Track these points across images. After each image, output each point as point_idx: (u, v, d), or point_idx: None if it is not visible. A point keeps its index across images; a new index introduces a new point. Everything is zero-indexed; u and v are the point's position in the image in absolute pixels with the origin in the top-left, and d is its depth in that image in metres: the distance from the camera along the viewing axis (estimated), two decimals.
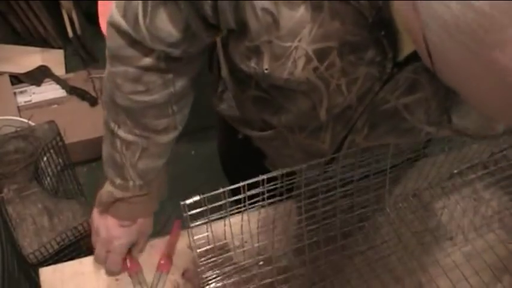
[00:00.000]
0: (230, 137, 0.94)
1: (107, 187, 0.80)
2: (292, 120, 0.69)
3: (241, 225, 0.72)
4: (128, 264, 0.83)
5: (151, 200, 0.83)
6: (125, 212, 0.81)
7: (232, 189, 0.63)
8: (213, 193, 0.62)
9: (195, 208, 0.63)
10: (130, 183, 0.78)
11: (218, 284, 0.78)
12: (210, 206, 0.63)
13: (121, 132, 0.74)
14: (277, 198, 0.68)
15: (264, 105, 0.71)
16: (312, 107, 0.63)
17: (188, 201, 0.61)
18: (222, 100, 0.85)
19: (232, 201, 0.65)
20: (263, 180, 0.64)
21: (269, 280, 0.79)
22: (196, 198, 0.62)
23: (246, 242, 0.77)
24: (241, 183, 0.64)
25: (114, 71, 0.69)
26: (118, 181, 0.78)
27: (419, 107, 0.61)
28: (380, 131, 0.66)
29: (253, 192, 0.65)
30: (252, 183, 0.64)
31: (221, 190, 0.63)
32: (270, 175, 0.65)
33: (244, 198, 0.65)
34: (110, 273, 0.82)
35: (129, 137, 0.74)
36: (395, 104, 0.61)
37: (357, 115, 0.64)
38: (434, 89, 0.58)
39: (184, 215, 0.62)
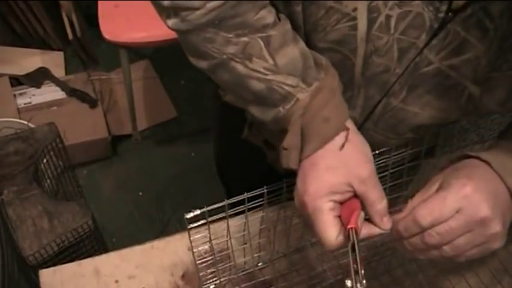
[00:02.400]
0: (231, 138, 0.92)
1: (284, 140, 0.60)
2: None
3: (243, 228, 0.72)
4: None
5: (333, 95, 0.59)
6: (322, 125, 0.58)
7: (232, 196, 0.63)
8: (214, 206, 0.62)
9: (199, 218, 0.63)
10: (292, 91, 0.58)
11: (218, 286, 0.78)
12: (210, 219, 0.63)
13: (229, 50, 0.57)
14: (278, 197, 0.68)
15: None
16: (345, 58, 0.60)
17: (190, 215, 0.61)
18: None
19: (233, 208, 0.65)
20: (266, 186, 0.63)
21: (268, 281, 0.79)
22: (197, 212, 0.62)
23: (245, 243, 0.77)
24: (243, 196, 0.62)
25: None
26: (285, 107, 0.58)
27: (467, 65, 0.58)
28: (420, 91, 0.63)
29: (254, 204, 0.64)
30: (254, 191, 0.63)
31: (224, 203, 0.62)
32: (272, 188, 0.64)
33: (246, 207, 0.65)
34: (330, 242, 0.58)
35: (240, 43, 0.56)
36: (439, 66, 0.58)
37: (395, 78, 0.61)
38: (485, 47, 0.55)
39: (188, 227, 0.62)
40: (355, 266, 0.54)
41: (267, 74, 0.57)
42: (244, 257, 0.78)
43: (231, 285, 0.79)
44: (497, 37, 0.56)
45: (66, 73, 2.20)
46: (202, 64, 0.60)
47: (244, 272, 0.81)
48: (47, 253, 1.10)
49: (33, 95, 2.02)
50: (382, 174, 0.73)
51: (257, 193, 0.63)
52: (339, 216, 0.58)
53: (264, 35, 0.56)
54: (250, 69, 0.57)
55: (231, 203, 0.63)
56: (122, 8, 1.79)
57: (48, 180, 1.30)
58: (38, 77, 2.08)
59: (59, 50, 2.25)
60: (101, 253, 0.91)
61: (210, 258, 0.75)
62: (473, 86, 0.61)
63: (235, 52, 0.56)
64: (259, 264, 0.82)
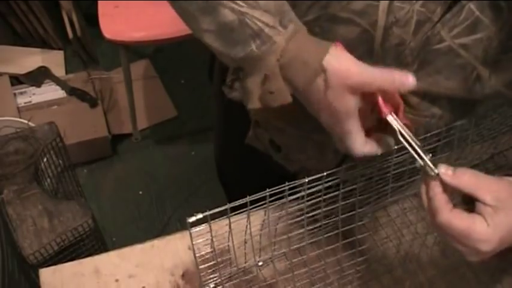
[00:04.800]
0: (233, 139, 0.91)
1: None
2: None
3: (244, 228, 0.72)
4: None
5: (310, 38, 0.60)
6: (301, 70, 0.58)
7: (232, 197, 0.63)
8: (217, 210, 0.62)
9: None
10: (266, 30, 0.57)
11: (218, 285, 0.78)
12: (212, 222, 0.63)
13: None
14: (279, 200, 0.68)
15: None
16: (363, 32, 0.60)
17: (193, 219, 0.61)
18: (233, 88, 0.80)
19: (234, 208, 0.65)
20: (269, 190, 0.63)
21: (269, 282, 0.79)
22: (200, 216, 0.62)
23: (246, 243, 0.77)
24: (245, 199, 0.62)
25: None
26: (255, 45, 0.57)
27: (478, 45, 0.58)
28: (430, 69, 0.63)
29: (257, 208, 0.64)
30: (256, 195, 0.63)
31: (226, 206, 0.62)
32: (274, 190, 0.64)
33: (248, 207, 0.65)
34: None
35: None
36: (450, 44, 0.58)
37: (409, 51, 0.61)
38: (497, 29, 0.55)
39: (189, 231, 0.62)
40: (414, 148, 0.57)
41: (242, 6, 0.56)
42: (245, 256, 0.78)
43: (231, 284, 0.79)
44: (510, 19, 0.56)
45: (66, 72, 2.20)
46: None
47: (244, 272, 0.81)
48: (47, 252, 1.10)
49: (34, 94, 2.02)
50: (383, 176, 0.73)
51: (259, 196, 0.63)
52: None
53: None
54: None
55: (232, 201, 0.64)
56: (122, 7, 1.79)
57: (48, 180, 1.30)
58: (38, 76, 2.08)
59: (59, 49, 2.25)
60: (101, 252, 0.91)
61: (210, 257, 0.75)
62: (482, 67, 0.61)
63: None
64: (260, 264, 0.82)
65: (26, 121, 1.78)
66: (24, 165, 1.22)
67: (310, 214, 0.74)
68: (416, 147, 0.58)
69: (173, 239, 0.87)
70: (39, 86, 2.05)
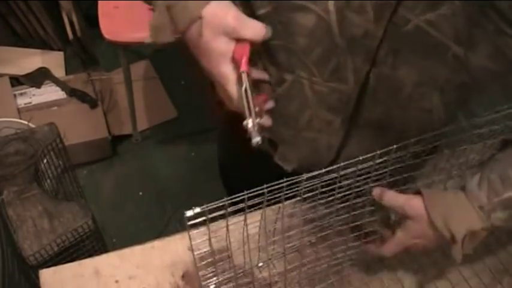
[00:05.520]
0: (235, 140, 0.92)
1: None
2: (304, 44, 0.65)
3: (243, 228, 0.72)
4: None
5: None
6: (182, 12, 0.64)
7: (233, 197, 0.63)
8: (214, 204, 0.62)
9: (198, 216, 0.63)
10: None
11: (218, 286, 0.78)
12: (210, 216, 0.63)
13: None
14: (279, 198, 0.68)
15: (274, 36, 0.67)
16: (319, 19, 0.62)
17: (190, 213, 0.61)
18: None
19: (232, 207, 0.65)
20: (266, 188, 0.64)
21: (268, 282, 0.79)
22: (198, 210, 0.62)
23: (245, 243, 0.77)
24: (243, 194, 0.63)
25: None
26: None
27: (445, 22, 0.59)
28: (405, 55, 0.64)
29: (254, 202, 0.64)
30: (253, 190, 0.64)
31: (223, 200, 0.62)
32: (272, 187, 0.64)
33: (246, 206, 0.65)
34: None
35: None
36: (417, 22, 0.59)
37: (377, 42, 0.62)
38: (462, 4, 0.56)
39: (188, 223, 0.62)
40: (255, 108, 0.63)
41: None
42: (244, 257, 0.78)
43: (231, 285, 0.79)
44: None
45: (66, 73, 2.20)
46: None
47: (244, 272, 0.81)
48: (47, 253, 1.10)
49: (34, 95, 2.02)
50: (380, 171, 0.73)
51: (257, 192, 0.63)
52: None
53: None
54: None
55: (232, 202, 0.64)
56: (122, 8, 1.79)
57: (49, 181, 1.30)
58: (38, 77, 2.08)
59: (59, 50, 2.25)
60: (101, 253, 0.91)
61: (208, 255, 0.75)
62: (455, 46, 0.62)
63: None
64: (259, 264, 0.82)
65: (26, 122, 1.78)
66: (24, 166, 1.22)
67: (308, 215, 0.74)
68: (250, 107, 0.63)
69: (173, 239, 0.87)
70: (39, 87, 2.05)
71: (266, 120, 0.68)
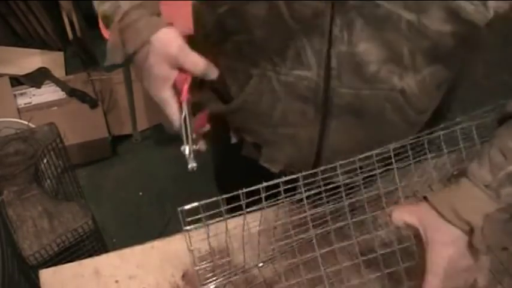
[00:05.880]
0: (224, 148, 0.93)
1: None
2: (261, 35, 0.67)
3: (242, 228, 0.72)
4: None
5: (152, 15, 0.70)
6: (132, 36, 0.69)
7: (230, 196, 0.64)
8: (211, 200, 0.62)
9: (196, 210, 0.63)
10: None
11: (218, 286, 0.78)
12: (207, 214, 0.63)
13: None
14: (277, 199, 0.69)
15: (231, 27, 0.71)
16: (270, 6, 0.63)
17: (186, 207, 0.62)
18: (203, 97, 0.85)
19: (231, 208, 0.65)
20: (263, 187, 0.64)
21: (269, 282, 0.79)
22: (195, 204, 0.62)
23: (245, 243, 0.77)
24: (240, 191, 0.64)
25: None
26: (108, 4, 0.70)
27: None
28: (360, 30, 0.64)
29: (252, 199, 0.65)
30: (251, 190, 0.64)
31: (220, 197, 0.63)
32: (269, 183, 0.64)
33: (244, 204, 0.65)
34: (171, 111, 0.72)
35: None
36: None
37: (328, 19, 0.63)
38: None
39: (182, 220, 0.62)
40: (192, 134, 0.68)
41: None
42: (244, 257, 0.79)
43: (231, 285, 0.79)
44: None
45: (66, 73, 2.20)
46: None
47: (244, 272, 0.81)
48: (47, 253, 1.10)
49: (34, 95, 2.02)
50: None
51: (254, 189, 0.64)
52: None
53: None
54: None
55: (228, 201, 0.64)
56: None
57: (49, 181, 1.30)
58: (38, 77, 2.08)
59: (59, 50, 2.25)
60: (101, 253, 0.91)
61: (208, 256, 0.75)
62: (407, 13, 0.62)
63: None
64: (259, 264, 0.82)
65: (26, 122, 1.78)
66: (24, 166, 1.22)
67: (306, 216, 0.74)
68: (188, 134, 0.68)
69: (173, 239, 0.87)
70: (39, 87, 2.05)
71: (202, 146, 0.72)
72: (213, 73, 0.70)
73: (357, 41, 0.65)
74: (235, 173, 1.05)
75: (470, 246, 0.64)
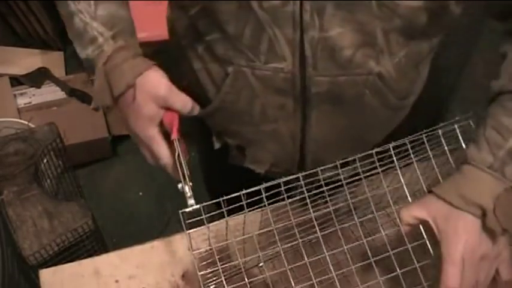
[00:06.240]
0: (208, 154, 0.94)
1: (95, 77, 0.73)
2: (233, 30, 0.67)
3: (243, 227, 0.72)
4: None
5: (135, 57, 0.73)
6: (118, 79, 0.71)
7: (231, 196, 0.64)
8: (212, 202, 0.62)
9: (195, 214, 0.63)
10: (100, 39, 0.71)
11: (218, 286, 0.78)
12: (208, 215, 0.63)
13: None
14: (278, 198, 0.69)
15: (201, 29, 0.72)
16: (239, 6, 0.64)
17: (187, 210, 0.62)
18: None
19: (231, 208, 0.65)
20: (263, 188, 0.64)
21: (269, 282, 0.79)
22: (196, 206, 0.62)
23: (245, 243, 0.77)
24: (240, 192, 0.64)
25: None
26: (91, 49, 0.72)
27: None
28: (330, 14, 0.63)
29: (256, 209, 0.65)
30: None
31: (220, 199, 0.63)
32: (270, 183, 0.64)
33: (246, 205, 0.65)
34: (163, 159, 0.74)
35: None
36: None
37: (298, 6, 0.62)
38: None
39: (186, 222, 0.63)
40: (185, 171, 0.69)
41: (86, 17, 0.71)
42: (244, 256, 0.79)
43: (231, 285, 0.79)
44: None
45: (66, 73, 2.19)
46: None
47: (244, 272, 0.81)
48: (47, 253, 1.10)
49: (33, 95, 2.02)
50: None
51: (255, 189, 0.64)
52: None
53: None
54: (77, 8, 0.71)
55: (229, 202, 0.64)
56: None
57: (49, 180, 1.30)
58: (38, 77, 2.08)
59: (59, 50, 2.25)
60: (101, 253, 0.91)
61: (208, 255, 0.75)
62: None
63: None
64: (260, 264, 0.82)
65: (26, 122, 1.78)
66: (24, 166, 1.22)
67: (307, 216, 0.74)
68: (184, 173, 0.69)
69: (173, 239, 0.87)
70: (39, 87, 2.05)
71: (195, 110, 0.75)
72: (196, 110, 0.75)
73: (328, 26, 0.64)
74: (222, 178, 1.05)
75: (486, 230, 0.63)
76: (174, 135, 0.72)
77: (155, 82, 0.71)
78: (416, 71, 0.77)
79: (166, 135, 0.74)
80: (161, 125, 0.73)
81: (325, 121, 0.75)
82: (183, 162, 0.70)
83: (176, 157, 0.71)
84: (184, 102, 0.73)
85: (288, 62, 0.68)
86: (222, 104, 0.77)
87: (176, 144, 0.72)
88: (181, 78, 0.83)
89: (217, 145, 0.88)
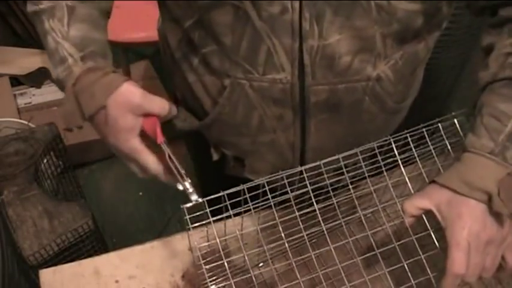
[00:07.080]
0: (206, 166, 0.94)
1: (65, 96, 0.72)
2: (230, 42, 0.67)
3: (242, 227, 0.72)
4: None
5: (106, 75, 0.70)
6: (88, 100, 0.70)
7: (231, 194, 0.64)
8: (213, 196, 0.62)
9: (196, 210, 0.63)
10: (69, 60, 0.70)
11: (218, 286, 0.78)
12: (209, 209, 0.63)
13: (43, 5, 0.72)
14: (277, 199, 0.69)
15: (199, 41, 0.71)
16: (237, 9, 0.64)
17: (188, 205, 0.62)
18: (179, 117, 0.85)
19: (231, 205, 0.65)
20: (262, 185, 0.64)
21: (269, 282, 0.79)
22: (200, 200, 0.62)
23: (246, 243, 0.77)
24: (241, 187, 0.64)
25: None
26: (60, 69, 0.71)
27: None
28: (329, 21, 0.63)
29: (253, 193, 0.65)
30: (251, 187, 0.64)
31: (221, 193, 0.63)
32: (270, 178, 0.65)
33: (245, 200, 0.65)
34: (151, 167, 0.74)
35: (50, 3, 0.71)
36: None
37: (297, 14, 0.62)
38: None
39: (184, 218, 0.62)
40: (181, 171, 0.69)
41: (58, 36, 0.71)
42: (244, 257, 0.79)
43: (231, 285, 0.79)
44: None
45: None
46: (30, 8, 0.73)
47: (244, 272, 0.81)
48: (47, 253, 1.10)
49: (34, 95, 2.03)
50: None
51: (254, 184, 0.64)
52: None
53: (70, 4, 0.71)
54: (51, 27, 0.71)
55: (230, 197, 0.64)
56: (122, 8, 1.79)
57: (49, 181, 1.30)
58: (38, 77, 2.08)
59: None
60: (101, 253, 0.91)
61: (208, 255, 0.75)
62: None
63: (46, 8, 0.71)
64: (260, 264, 0.82)
65: (26, 122, 1.78)
66: (24, 166, 1.22)
67: (307, 216, 0.74)
68: (180, 172, 0.69)
69: (173, 240, 0.87)
70: (39, 87, 2.05)
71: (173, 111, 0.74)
72: (175, 110, 0.73)
73: (327, 33, 0.64)
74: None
75: (491, 214, 0.63)
76: (160, 139, 0.71)
77: (128, 93, 0.69)
78: (413, 73, 0.77)
79: (149, 148, 0.73)
80: (142, 136, 0.72)
81: (324, 129, 0.75)
82: (176, 162, 0.70)
83: (168, 158, 0.70)
84: (161, 105, 0.71)
85: (287, 72, 0.68)
86: (218, 116, 0.77)
87: (164, 147, 0.71)
88: (175, 90, 0.83)
89: (215, 156, 0.87)
